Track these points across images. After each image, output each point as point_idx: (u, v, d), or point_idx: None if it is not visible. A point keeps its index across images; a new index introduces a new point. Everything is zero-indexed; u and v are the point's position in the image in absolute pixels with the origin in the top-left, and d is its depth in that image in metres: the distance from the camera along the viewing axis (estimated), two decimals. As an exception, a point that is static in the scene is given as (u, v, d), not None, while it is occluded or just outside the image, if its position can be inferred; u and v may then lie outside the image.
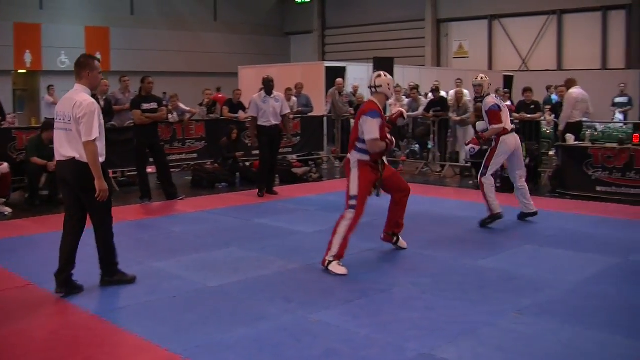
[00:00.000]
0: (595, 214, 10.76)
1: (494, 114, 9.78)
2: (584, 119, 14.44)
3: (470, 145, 10.03)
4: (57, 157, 6.75)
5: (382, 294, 6.63)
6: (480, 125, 10.26)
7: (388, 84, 7.92)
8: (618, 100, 20.68)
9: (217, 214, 10.96)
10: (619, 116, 20.14)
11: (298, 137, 17.20)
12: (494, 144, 9.94)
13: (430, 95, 17.98)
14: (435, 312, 6.08)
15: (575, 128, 13.83)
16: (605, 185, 12.41)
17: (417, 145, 17.89)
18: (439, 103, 16.66)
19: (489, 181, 9.88)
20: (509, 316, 5.98)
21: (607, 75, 26.05)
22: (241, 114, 16.35)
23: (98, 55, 28.50)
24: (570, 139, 13.16)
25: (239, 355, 5.09)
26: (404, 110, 8.91)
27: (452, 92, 17.96)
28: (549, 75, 26.41)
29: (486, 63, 32.11)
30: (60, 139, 6.67)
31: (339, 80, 18.76)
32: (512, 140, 9.92)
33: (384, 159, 8.09)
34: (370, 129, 7.60)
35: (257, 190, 12.75)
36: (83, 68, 6.74)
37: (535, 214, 10.18)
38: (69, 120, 6.53)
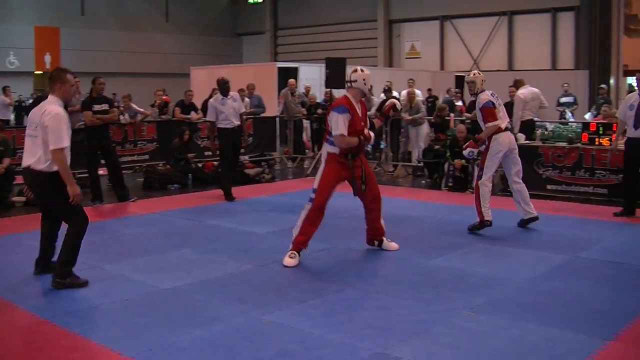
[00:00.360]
0: (546, 212, 10.87)
1: (488, 111, 9.22)
2: (536, 118, 14.58)
3: (469, 149, 9.52)
4: (22, 164, 6.97)
5: (336, 294, 6.63)
6: (465, 153, 9.75)
7: (364, 79, 7.95)
8: (563, 100, 20.89)
9: (170, 215, 10.88)
10: (570, 115, 20.36)
11: (250, 138, 17.15)
12: (486, 144, 9.38)
13: (382, 95, 18.05)
14: (388, 312, 6.10)
15: (527, 127, 13.99)
16: (555, 183, 12.57)
17: (369, 145, 17.94)
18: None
19: (486, 187, 9.35)
20: (461, 314, 6.02)
21: (557, 75, 26.39)
22: (193, 115, 16.29)
23: (48, 57, 28.28)
24: (521, 138, 13.29)
25: (192, 358, 5.05)
26: (396, 102, 8.81)
27: (404, 92, 18.07)
28: (500, 75, 26.63)
29: (438, 63, 32.36)
30: (26, 146, 6.89)
31: (291, 80, 18.76)
32: (506, 139, 9.33)
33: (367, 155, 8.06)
34: (335, 124, 7.71)
35: (224, 194, 12.38)
36: (55, 82, 6.94)
37: (536, 218, 9.67)
38: (36, 127, 6.71)
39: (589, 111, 20.68)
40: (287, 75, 20.12)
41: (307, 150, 18.52)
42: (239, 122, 12.38)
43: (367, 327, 5.67)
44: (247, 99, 17.16)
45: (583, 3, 28.01)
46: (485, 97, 9.30)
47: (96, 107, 11.85)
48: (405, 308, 6.19)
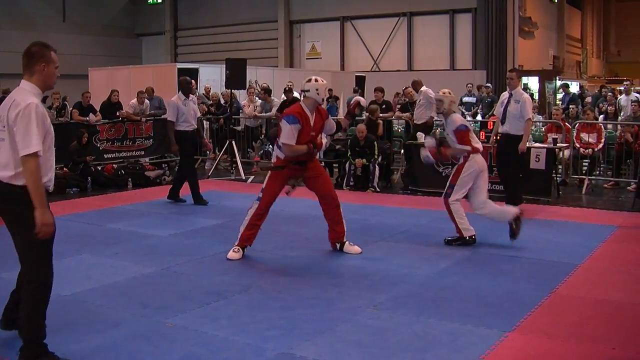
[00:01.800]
0: (446, 210, 11.06)
1: (462, 135, 8.69)
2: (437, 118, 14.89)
3: (427, 154, 9.06)
4: None
5: (240, 295, 6.61)
6: (428, 142, 9.33)
7: (317, 89, 7.98)
8: (466, 99, 21.36)
9: (68, 220, 10.61)
10: (468, 117, 20.79)
11: (151, 140, 16.89)
12: (462, 160, 8.83)
13: (283, 96, 18.05)
14: (292, 312, 6.11)
15: (427, 126, 14.26)
16: (454, 181, 12.76)
17: (270, 146, 17.91)
18: (291, 103, 16.69)
19: (456, 202, 8.80)
20: (365, 312, 6.07)
21: (456, 75, 26.95)
22: (92, 117, 15.97)
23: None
24: (420, 137, 13.49)
25: (93, 364, 4.96)
26: (361, 99, 8.81)
27: (305, 93, 18.08)
28: (400, 75, 27.06)
29: (339, 64, 32.62)
30: None
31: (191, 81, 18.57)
32: (482, 159, 8.87)
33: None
34: (284, 133, 7.83)
35: (193, 197, 11.92)
36: (37, 60, 5.12)
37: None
38: (4, 127, 4.85)
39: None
40: (187, 76, 19.89)
41: (207, 152, 18.33)
42: (196, 126, 12.13)
43: (272, 328, 5.66)
44: (147, 101, 16.93)
45: (480, 5, 28.71)
46: (458, 119, 8.88)
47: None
48: (309, 307, 6.21)
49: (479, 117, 19.82)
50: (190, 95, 12.28)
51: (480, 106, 22.14)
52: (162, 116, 17.55)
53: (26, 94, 4.90)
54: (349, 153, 13.54)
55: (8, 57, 30.80)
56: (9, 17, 32.42)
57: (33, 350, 4.85)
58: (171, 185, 12.33)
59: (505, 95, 11.11)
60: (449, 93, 9.02)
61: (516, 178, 10.99)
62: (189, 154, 12.08)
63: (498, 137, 11.40)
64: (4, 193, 4.84)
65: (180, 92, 12.15)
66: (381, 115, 15.53)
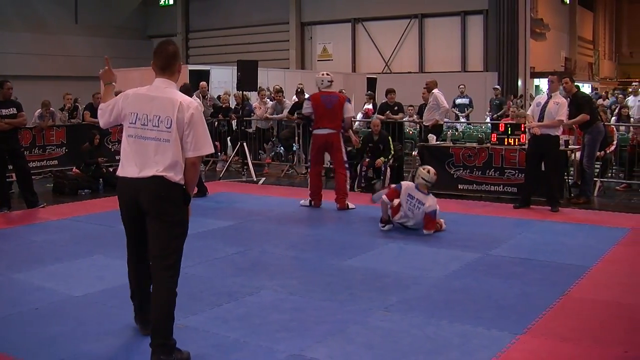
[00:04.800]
0: (458, 211, 11.04)
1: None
2: (446, 119, 14.93)
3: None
4: (123, 173, 5.27)
5: (250, 297, 6.61)
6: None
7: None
8: (459, 101, 21.16)
9: (80, 221, 10.66)
10: (462, 119, 20.71)
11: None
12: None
13: (294, 97, 18.03)
14: (303, 313, 6.11)
15: (438, 128, 14.28)
16: (466, 183, 12.76)
17: (281, 148, 17.92)
18: (303, 105, 16.73)
19: None
20: (376, 314, 6.06)
21: (467, 77, 26.88)
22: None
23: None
24: (432, 139, 13.48)
25: (105, 365, 4.96)
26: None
27: (317, 95, 18.06)
28: (411, 77, 27.05)
29: (350, 65, 32.60)
30: (140, 151, 5.06)
31: (203, 83, 18.57)
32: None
33: None
34: (351, 110, 11.52)
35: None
36: (177, 59, 5.20)
37: None
38: (169, 127, 4.87)
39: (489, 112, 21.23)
40: (198, 78, 19.97)
41: (218, 154, 18.31)
42: None
43: (283, 329, 5.66)
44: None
45: (491, 7, 28.64)
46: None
47: (4, 112, 11.53)
48: (320, 309, 6.21)
49: (487, 119, 19.76)
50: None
51: (489, 108, 22.16)
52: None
53: (183, 95, 5.03)
54: (365, 149, 13.55)
55: (21, 59, 31.10)
56: (22, 20, 32.52)
57: (170, 344, 4.99)
58: None
59: (543, 97, 11.35)
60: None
61: (555, 176, 11.12)
62: None
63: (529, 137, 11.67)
64: (171, 193, 4.94)
65: None
66: (393, 116, 15.53)
